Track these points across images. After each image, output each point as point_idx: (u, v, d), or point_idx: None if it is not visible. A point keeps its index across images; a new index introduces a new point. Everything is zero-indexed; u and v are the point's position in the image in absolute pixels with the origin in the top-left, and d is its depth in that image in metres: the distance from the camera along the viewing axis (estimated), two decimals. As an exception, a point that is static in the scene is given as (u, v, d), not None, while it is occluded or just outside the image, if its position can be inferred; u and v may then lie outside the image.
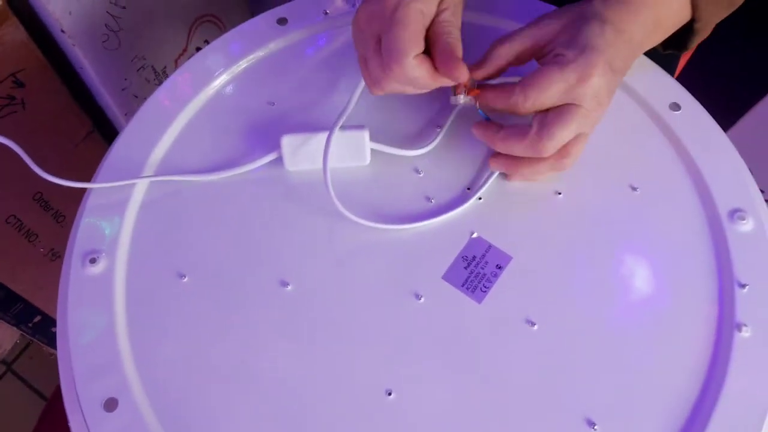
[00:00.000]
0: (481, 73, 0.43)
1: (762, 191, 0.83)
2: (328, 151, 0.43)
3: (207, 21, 0.89)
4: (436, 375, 0.39)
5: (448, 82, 0.41)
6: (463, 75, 0.40)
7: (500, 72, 0.43)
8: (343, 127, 0.44)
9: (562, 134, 0.40)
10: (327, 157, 0.43)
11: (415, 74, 0.40)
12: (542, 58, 0.42)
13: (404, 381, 0.39)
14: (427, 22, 0.41)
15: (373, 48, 0.41)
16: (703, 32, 0.44)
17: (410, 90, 0.43)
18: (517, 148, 0.42)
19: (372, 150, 0.46)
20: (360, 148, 0.45)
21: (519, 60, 0.43)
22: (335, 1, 0.55)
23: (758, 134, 0.80)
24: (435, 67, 0.40)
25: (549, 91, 0.39)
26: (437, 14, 0.41)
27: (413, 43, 0.39)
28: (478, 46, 0.44)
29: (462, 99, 0.43)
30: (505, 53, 0.42)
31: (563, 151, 0.41)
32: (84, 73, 0.74)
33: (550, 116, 0.40)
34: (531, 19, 0.43)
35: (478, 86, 0.44)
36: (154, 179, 0.46)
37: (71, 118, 0.78)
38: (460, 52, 0.41)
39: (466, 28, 0.43)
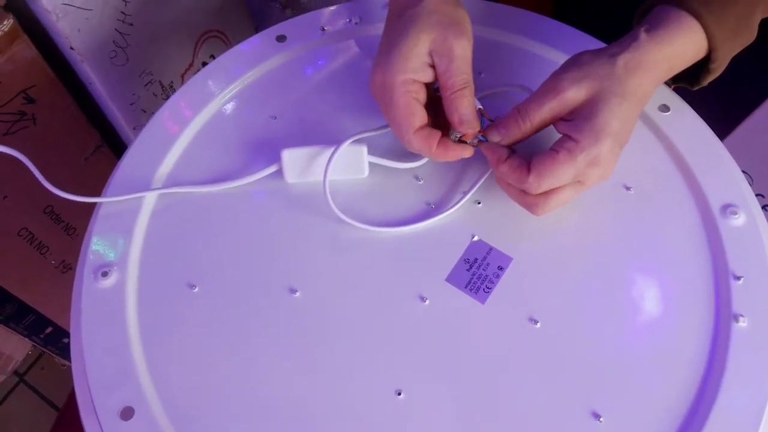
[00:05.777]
0: (502, 141, 0.43)
1: (762, 196, 0.84)
2: (329, 165, 0.44)
3: (212, 36, 0.90)
4: (444, 373, 0.40)
5: (451, 157, 0.43)
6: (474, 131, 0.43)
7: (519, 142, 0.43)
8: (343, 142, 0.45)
9: (557, 204, 0.42)
10: (327, 170, 0.44)
11: (416, 148, 0.43)
12: (559, 123, 0.42)
13: (413, 380, 0.40)
14: (423, 85, 0.42)
15: (387, 115, 0.43)
16: (719, 70, 0.44)
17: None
18: (512, 193, 0.43)
19: (370, 163, 0.47)
20: (358, 162, 0.46)
21: (539, 130, 0.43)
22: (332, 19, 0.56)
23: (757, 140, 0.80)
24: (434, 145, 0.42)
25: (561, 178, 0.40)
26: (439, 73, 0.42)
27: (408, 122, 0.42)
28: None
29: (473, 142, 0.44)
30: (527, 129, 0.42)
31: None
32: (93, 89, 0.75)
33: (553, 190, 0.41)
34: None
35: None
36: (161, 191, 0.47)
37: (81, 132, 0.79)
38: (468, 114, 0.42)
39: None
